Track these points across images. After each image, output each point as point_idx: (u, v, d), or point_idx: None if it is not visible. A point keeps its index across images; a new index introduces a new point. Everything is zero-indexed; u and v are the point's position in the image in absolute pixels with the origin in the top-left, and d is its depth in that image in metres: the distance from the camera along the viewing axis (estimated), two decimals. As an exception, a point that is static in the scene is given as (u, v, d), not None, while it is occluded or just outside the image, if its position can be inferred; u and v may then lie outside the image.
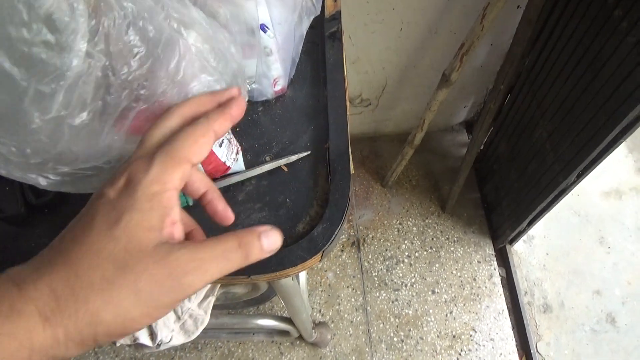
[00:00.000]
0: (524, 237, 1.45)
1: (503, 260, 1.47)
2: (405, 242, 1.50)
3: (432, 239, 1.50)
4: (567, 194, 1.11)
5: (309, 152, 0.53)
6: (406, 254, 1.48)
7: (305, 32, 0.52)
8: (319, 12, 0.53)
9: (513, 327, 1.37)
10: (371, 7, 1.08)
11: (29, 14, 0.33)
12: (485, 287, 1.42)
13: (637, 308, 1.38)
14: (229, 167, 0.52)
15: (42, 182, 0.40)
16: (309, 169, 0.53)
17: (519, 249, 1.48)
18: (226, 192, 0.52)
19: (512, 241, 1.45)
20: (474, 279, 1.43)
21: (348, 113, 0.54)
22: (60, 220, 0.50)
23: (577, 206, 1.55)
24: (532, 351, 1.32)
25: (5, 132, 0.37)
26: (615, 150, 0.91)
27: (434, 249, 1.48)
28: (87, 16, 0.34)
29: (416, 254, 1.47)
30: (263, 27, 0.47)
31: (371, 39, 1.19)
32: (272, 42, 0.50)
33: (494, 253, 1.47)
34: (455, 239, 1.49)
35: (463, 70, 1.06)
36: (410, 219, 1.53)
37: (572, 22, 0.91)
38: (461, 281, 1.43)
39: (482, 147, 1.56)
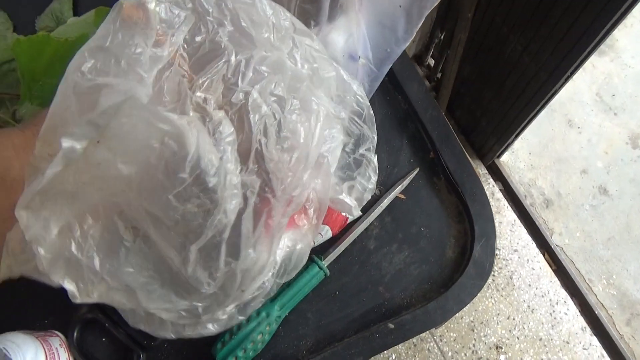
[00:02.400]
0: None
1: (496, 174, 1.52)
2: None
3: (427, 179, 1.50)
4: (554, 98, 1.14)
5: (418, 169, 0.48)
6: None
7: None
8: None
9: (528, 232, 1.44)
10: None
11: (170, 180, 0.24)
12: (492, 205, 1.47)
13: (620, 171, 1.51)
14: (347, 218, 0.46)
15: (212, 328, 0.33)
16: (426, 187, 0.48)
17: (504, 159, 1.53)
18: (354, 246, 0.46)
19: (500, 155, 1.49)
20: (479, 202, 1.47)
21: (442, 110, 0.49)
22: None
23: (538, 100, 1.62)
24: (552, 246, 1.41)
25: (177, 299, 0.29)
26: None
27: (432, 189, 1.49)
28: (233, 142, 0.26)
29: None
30: (355, 57, 0.40)
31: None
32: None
33: (486, 172, 1.52)
34: (448, 172, 1.51)
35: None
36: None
37: None
38: (469, 209, 1.46)
39: (439, 76, 1.56)
